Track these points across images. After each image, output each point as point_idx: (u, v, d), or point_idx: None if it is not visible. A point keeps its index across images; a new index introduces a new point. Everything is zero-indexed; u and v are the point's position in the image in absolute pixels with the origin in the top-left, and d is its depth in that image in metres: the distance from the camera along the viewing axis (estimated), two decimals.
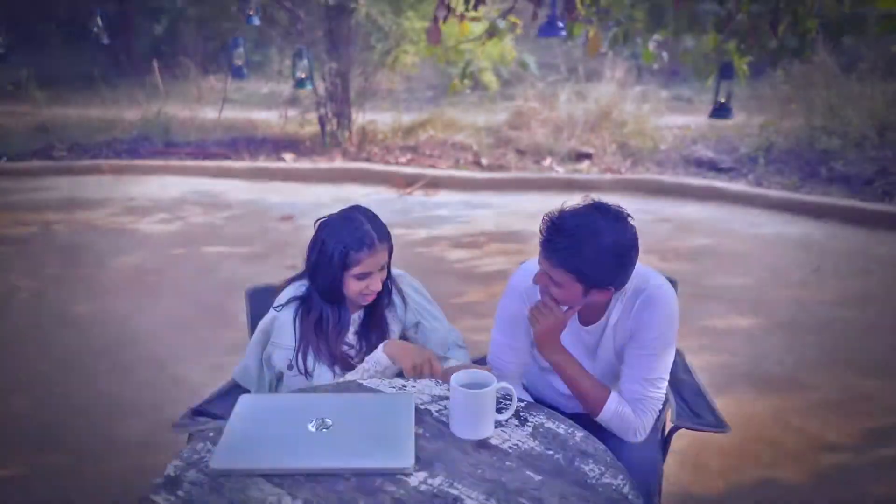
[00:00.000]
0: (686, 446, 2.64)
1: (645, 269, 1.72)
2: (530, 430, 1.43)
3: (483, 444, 1.37)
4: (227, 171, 7.25)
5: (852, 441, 2.70)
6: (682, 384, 1.98)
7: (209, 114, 8.89)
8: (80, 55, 12.87)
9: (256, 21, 5.72)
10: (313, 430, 1.35)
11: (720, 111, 4.27)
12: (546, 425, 1.45)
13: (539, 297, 1.68)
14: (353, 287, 1.76)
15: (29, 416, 2.91)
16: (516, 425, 1.44)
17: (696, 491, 2.42)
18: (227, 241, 5.19)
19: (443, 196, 6.46)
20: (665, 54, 5.62)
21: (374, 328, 1.88)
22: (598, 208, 1.56)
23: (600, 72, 8.53)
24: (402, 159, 7.34)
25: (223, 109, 8.96)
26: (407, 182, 6.74)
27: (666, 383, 1.69)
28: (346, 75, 7.68)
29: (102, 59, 12.87)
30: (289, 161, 7.42)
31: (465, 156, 7.39)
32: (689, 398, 1.91)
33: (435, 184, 6.72)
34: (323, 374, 1.80)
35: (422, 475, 1.26)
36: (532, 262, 1.71)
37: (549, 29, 3.54)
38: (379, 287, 1.80)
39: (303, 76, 5.54)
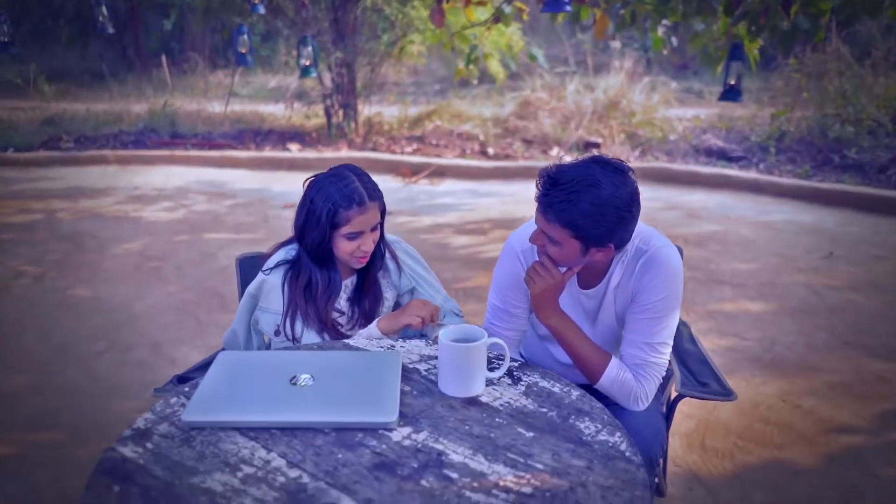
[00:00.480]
0: (693, 428, 2.57)
1: (648, 229, 1.64)
2: (523, 388, 1.36)
3: (472, 402, 1.30)
4: (232, 161, 7.22)
5: (863, 423, 2.62)
6: (687, 354, 1.90)
7: (216, 107, 8.87)
8: (89, 51, 12.93)
9: (262, 9, 5.65)
10: (293, 385, 1.29)
11: (730, 93, 4.16)
12: (540, 384, 1.37)
13: (537, 257, 1.61)
14: (343, 248, 1.69)
15: (25, 397, 2.87)
16: (509, 384, 1.37)
17: (703, 473, 2.35)
18: (229, 229, 5.15)
19: (448, 185, 6.39)
20: (675, 39, 5.52)
21: (367, 294, 1.80)
22: (597, 161, 1.48)
23: (609, 64, 8.43)
24: (408, 149, 7.28)
25: (230, 103, 8.94)
26: (412, 171, 6.67)
27: (669, 349, 1.61)
28: (352, 66, 7.62)
29: (111, 55, 12.93)
30: (294, 151, 7.38)
31: (471, 146, 7.31)
32: (694, 368, 1.83)
33: (441, 173, 6.65)
34: (311, 340, 1.73)
35: (405, 430, 1.20)
36: (530, 223, 1.63)
37: (553, 3, 3.46)
38: (371, 248, 1.72)
39: (307, 63, 5.45)
